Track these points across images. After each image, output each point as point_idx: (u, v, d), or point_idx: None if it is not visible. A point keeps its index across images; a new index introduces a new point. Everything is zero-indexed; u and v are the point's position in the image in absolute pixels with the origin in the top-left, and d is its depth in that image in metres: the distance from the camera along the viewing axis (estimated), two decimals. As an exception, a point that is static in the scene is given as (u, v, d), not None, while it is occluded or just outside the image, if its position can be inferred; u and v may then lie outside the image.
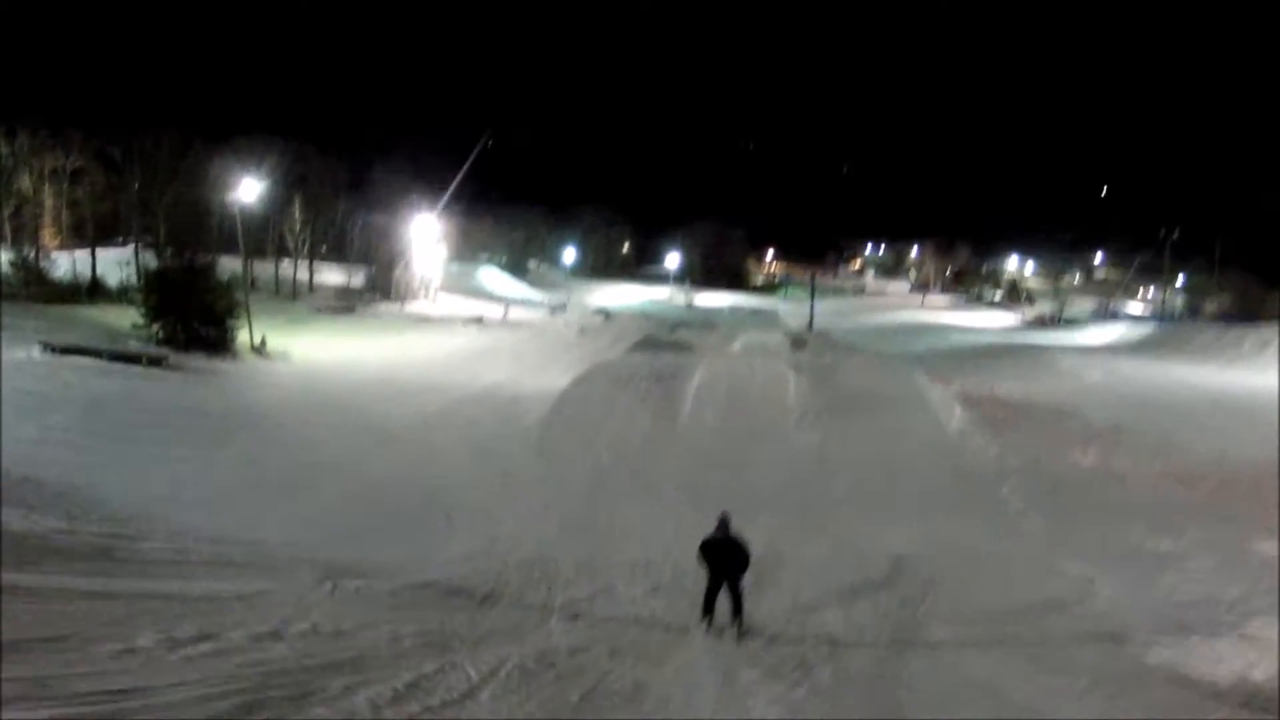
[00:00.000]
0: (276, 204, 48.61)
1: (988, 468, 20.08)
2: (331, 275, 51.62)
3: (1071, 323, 58.02)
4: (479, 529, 15.35)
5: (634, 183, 75.53)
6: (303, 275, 49.15)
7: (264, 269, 46.30)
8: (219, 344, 28.56)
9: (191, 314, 27.75)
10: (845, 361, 33.53)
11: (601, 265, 74.89)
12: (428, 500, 17.27)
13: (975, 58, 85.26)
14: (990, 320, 63.05)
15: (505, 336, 40.15)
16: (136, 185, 34.94)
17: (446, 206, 62.58)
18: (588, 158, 77.33)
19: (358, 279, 50.73)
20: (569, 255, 71.32)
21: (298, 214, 54.48)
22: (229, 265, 44.65)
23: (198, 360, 27.22)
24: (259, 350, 30.12)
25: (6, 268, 30.80)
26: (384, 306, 46.63)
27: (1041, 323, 59.62)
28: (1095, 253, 66.27)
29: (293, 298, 44.43)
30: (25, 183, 32.72)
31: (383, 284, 50.00)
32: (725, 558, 10.00)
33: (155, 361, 24.49)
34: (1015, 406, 25.80)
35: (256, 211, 48.30)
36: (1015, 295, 70.74)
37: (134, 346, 26.23)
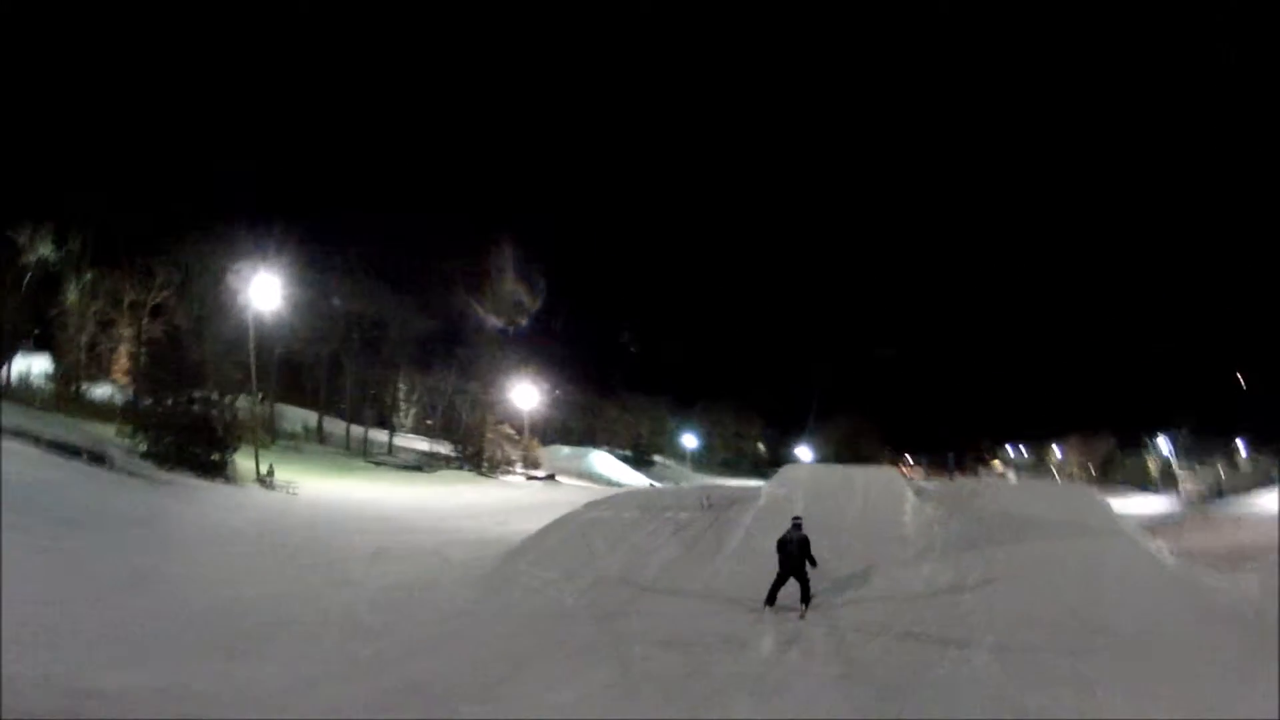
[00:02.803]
0: (378, 370, 47.29)
1: (1260, 608, 12.66)
2: (421, 444, 48.33)
3: (1232, 495, 50.11)
4: (229, 673, 8.85)
5: (767, 380, 70.67)
6: (384, 438, 46.13)
7: (340, 427, 43.70)
8: (211, 466, 24.61)
9: (177, 432, 24.08)
10: (990, 485, 24.18)
11: (731, 461, 68.48)
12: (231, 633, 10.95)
13: (1101, 262, 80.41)
14: (1145, 503, 55.48)
15: (572, 493, 34.12)
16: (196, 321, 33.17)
17: (562, 389, 60.34)
18: (722, 354, 74.12)
19: (446, 449, 46.84)
20: (690, 443, 65.98)
21: (399, 385, 53.36)
22: (300, 415, 43.28)
23: (175, 476, 23.27)
24: (262, 479, 25.88)
25: (40, 380, 29.42)
26: (461, 473, 42.06)
27: (1203, 498, 52.22)
28: (1237, 440, 61.86)
29: (363, 454, 40.84)
30: (71, 295, 31.80)
31: (471, 454, 45.80)
32: (796, 553, 12.60)
33: (97, 459, 20.53)
34: (1236, 547, 18.87)
35: (364, 378, 47.53)
36: (1168, 479, 64.15)
37: (111, 451, 22.66)
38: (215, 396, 25.79)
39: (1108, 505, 18.99)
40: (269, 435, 36.76)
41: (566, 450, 58.23)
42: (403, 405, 54.49)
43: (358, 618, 12.03)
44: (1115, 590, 13.25)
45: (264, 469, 26.29)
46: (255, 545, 17.75)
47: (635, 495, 20.95)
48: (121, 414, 25.28)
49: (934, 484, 25.01)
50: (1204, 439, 62.47)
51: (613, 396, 66.22)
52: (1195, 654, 10.66)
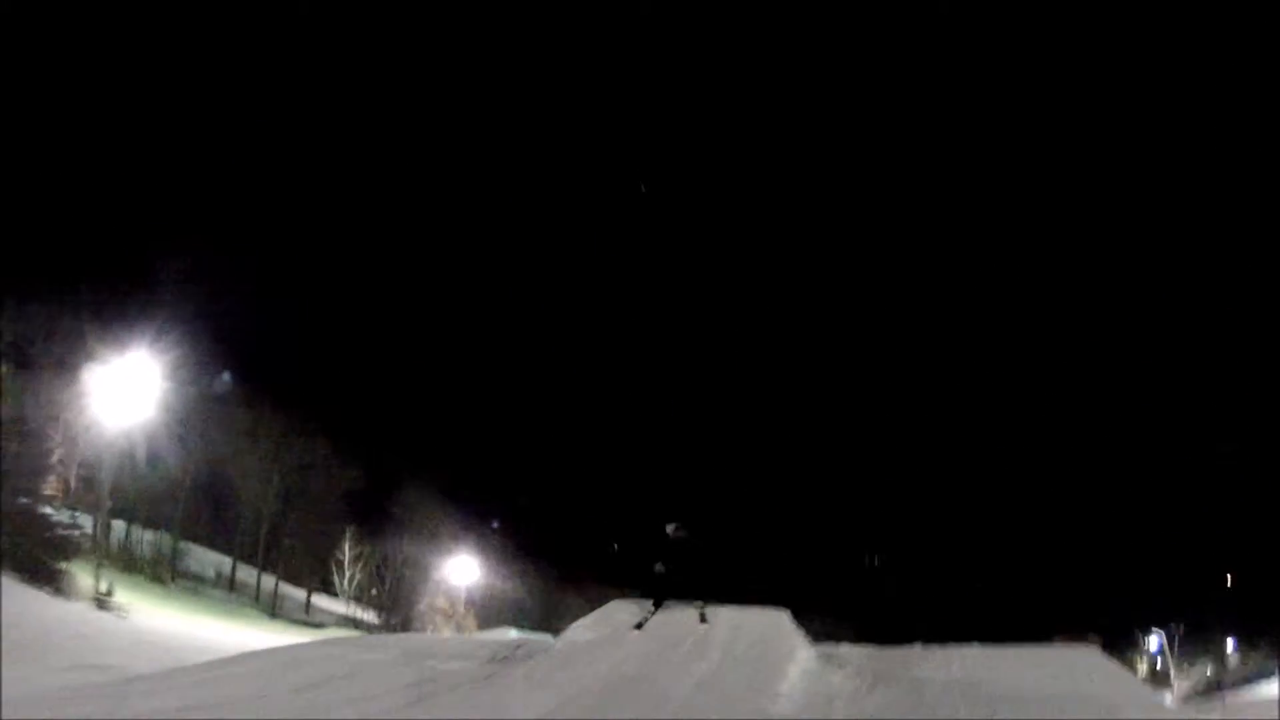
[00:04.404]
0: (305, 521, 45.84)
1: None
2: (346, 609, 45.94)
3: (1230, 689, 50.31)
4: None
5: (743, 584, 66.64)
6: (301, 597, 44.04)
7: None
8: (39, 573, 23.55)
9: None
10: (947, 650, 14.60)
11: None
12: None
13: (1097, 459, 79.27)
14: None
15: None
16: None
17: (516, 570, 57.82)
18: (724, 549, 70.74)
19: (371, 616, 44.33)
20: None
21: (347, 549, 51.55)
22: (214, 559, 41.65)
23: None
24: (100, 599, 24.57)
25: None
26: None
27: (1198, 694, 52.95)
28: (1228, 640, 62.05)
29: (270, 609, 38.72)
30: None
31: (395, 625, 43.17)
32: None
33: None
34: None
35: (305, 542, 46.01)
36: (1158, 679, 62.72)
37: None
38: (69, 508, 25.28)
39: (1127, 671, 12.84)
40: (169, 573, 35.47)
41: (515, 633, 54.63)
42: (347, 569, 52.35)
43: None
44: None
45: (104, 588, 24.99)
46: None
47: (415, 639, 17.88)
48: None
49: (863, 649, 14.98)
50: (1191, 637, 62.08)
51: (576, 584, 63.15)
52: None
